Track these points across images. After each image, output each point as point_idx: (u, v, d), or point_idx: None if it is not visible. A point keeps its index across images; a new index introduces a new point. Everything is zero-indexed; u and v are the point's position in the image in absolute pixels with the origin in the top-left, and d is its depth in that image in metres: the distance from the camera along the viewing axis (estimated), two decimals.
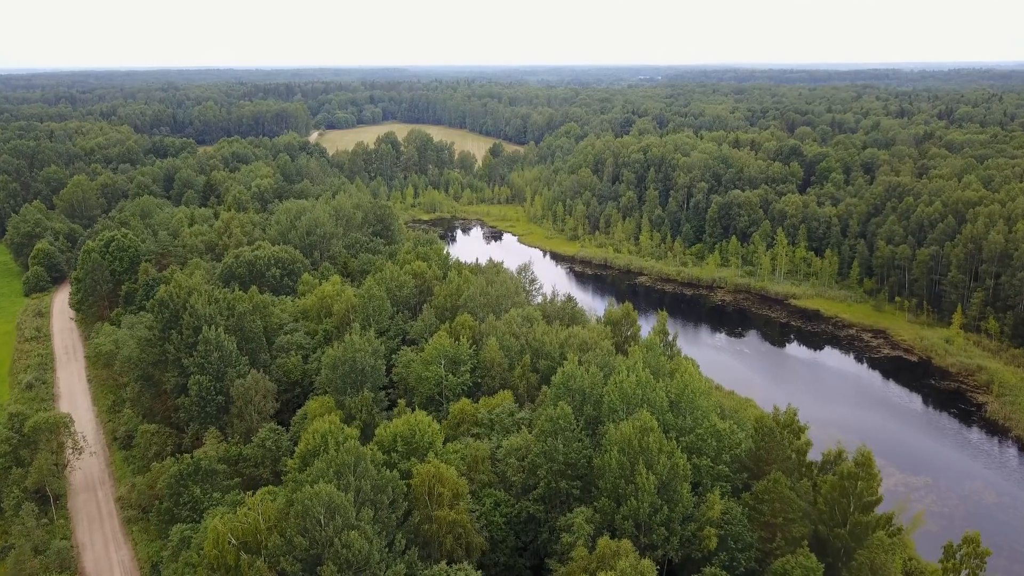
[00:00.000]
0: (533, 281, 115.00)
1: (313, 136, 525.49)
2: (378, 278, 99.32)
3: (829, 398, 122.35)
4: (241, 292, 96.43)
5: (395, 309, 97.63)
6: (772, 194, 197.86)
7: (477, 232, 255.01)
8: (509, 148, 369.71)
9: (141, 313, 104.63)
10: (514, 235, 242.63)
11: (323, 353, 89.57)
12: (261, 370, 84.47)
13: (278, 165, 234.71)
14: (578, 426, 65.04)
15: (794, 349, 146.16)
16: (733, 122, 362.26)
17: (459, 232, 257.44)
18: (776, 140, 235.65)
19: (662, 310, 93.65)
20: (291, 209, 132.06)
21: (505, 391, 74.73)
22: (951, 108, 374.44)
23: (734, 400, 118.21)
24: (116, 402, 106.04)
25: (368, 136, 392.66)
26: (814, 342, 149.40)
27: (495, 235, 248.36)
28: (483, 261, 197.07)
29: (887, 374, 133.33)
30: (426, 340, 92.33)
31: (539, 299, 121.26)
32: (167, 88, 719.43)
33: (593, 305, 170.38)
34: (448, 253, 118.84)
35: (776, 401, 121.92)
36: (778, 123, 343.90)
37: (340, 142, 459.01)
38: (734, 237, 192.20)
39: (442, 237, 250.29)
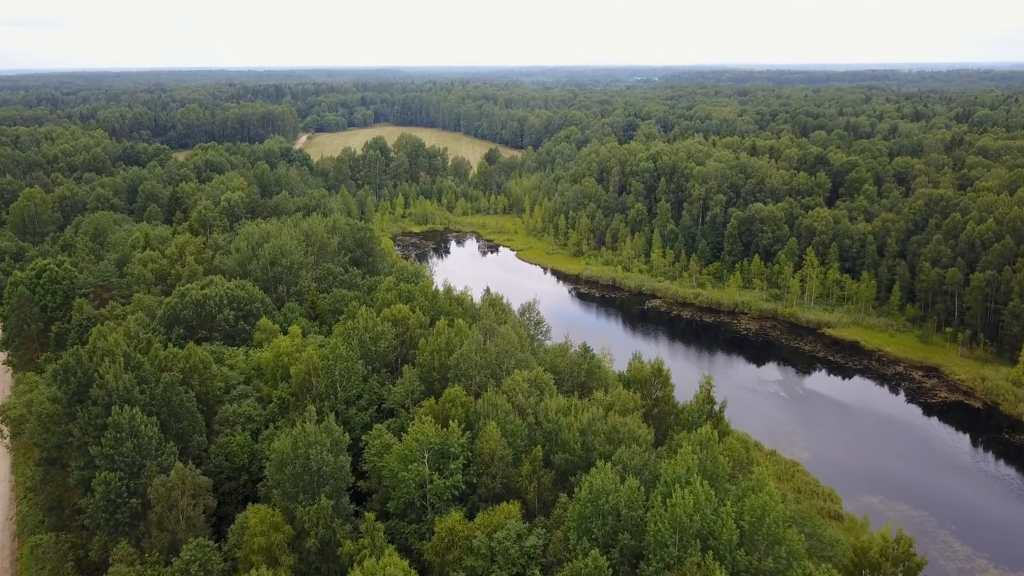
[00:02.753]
0: (539, 323, 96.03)
1: (302, 139, 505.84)
2: (349, 328, 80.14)
3: (888, 458, 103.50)
4: (177, 349, 77.07)
5: (369, 368, 78.48)
6: (798, 208, 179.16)
7: (472, 246, 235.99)
8: (506, 153, 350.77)
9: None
10: (512, 250, 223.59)
11: (274, 431, 70.38)
12: (190, 461, 65.07)
13: (255, 175, 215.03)
14: (613, 567, 46.03)
15: (835, 390, 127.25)
16: (742, 126, 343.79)
17: (453, 245, 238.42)
18: (798, 147, 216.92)
19: (707, 374, 74.57)
20: (253, 234, 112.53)
21: (511, 503, 55.65)
22: (969, 111, 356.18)
23: (777, 463, 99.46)
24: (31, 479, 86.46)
25: (359, 139, 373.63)
26: (857, 382, 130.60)
27: (492, 249, 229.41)
28: (478, 281, 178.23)
29: (949, 424, 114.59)
30: (406, 410, 73.37)
31: (549, 342, 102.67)
32: (153, 89, 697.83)
33: (604, 334, 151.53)
34: (437, 290, 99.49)
35: (826, 464, 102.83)
36: (790, 127, 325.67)
37: (329, 145, 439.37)
38: (757, 256, 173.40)
39: (435, 251, 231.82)
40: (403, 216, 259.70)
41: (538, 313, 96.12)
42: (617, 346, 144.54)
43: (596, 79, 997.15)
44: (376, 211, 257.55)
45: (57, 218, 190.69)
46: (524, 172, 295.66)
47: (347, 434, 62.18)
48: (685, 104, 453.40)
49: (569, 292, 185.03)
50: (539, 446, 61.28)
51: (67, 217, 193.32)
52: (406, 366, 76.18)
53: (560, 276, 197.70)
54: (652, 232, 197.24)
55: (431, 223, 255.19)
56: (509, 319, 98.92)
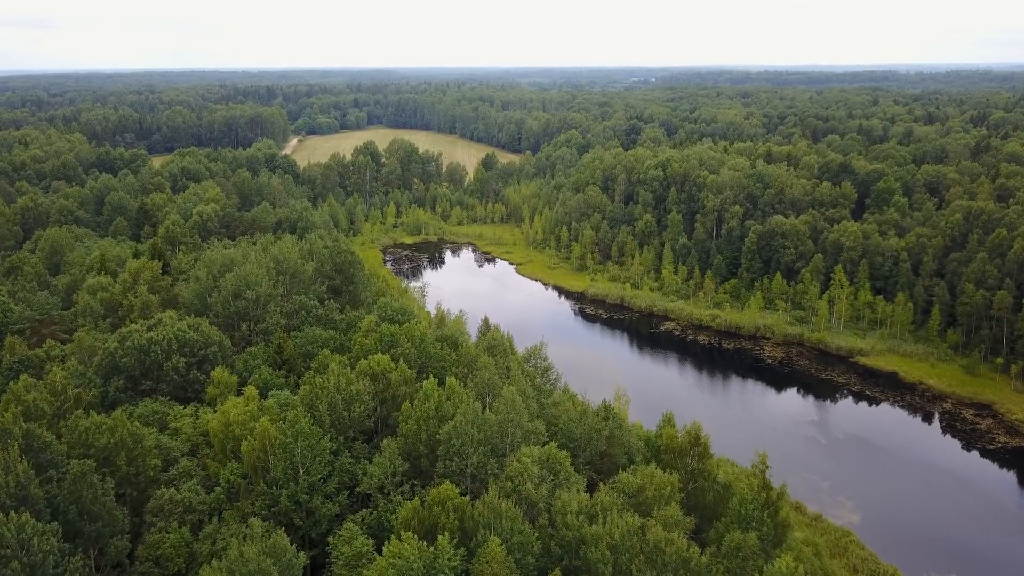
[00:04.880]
0: (547, 370, 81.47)
1: (292, 143, 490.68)
2: (318, 386, 65.40)
3: (953, 522, 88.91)
4: (102, 418, 62.15)
5: (340, 440, 63.77)
6: (822, 221, 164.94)
7: (468, 258, 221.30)
8: (503, 158, 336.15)
9: None
10: (511, 263, 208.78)
11: (217, 528, 55.70)
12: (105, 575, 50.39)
13: (234, 184, 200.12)
14: None
15: (878, 432, 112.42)
16: (749, 129, 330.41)
17: (447, 258, 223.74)
18: (816, 154, 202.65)
19: (762, 450, 59.95)
20: (215, 261, 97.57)
21: None
22: (983, 114, 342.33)
23: (826, 532, 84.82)
24: None
25: (352, 142, 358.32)
26: (901, 421, 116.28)
27: (489, 261, 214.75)
28: (474, 301, 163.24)
29: (1015, 475, 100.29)
30: (386, 496, 58.74)
31: (559, 387, 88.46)
32: (142, 91, 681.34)
33: (613, 362, 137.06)
34: (428, 330, 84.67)
35: (882, 531, 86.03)
36: (800, 131, 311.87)
37: (320, 149, 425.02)
38: (778, 274, 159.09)
39: (428, 262, 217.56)
40: (395, 226, 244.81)
41: (546, 358, 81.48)
42: (629, 377, 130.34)
43: (593, 80, 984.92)
44: (366, 221, 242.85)
45: (17, 232, 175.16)
46: (523, 178, 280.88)
47: (303, 553, 47.37)
48: (687, 106, 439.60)
49: (573, 312, 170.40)
50: (558, 569, 46.55)
51: (28, 231, 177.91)
52: (386, 440, 61.47)
53: (563, 293, 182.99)
54: (662, 246, 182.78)
55: (424, 233, 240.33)
56: (512, 363, 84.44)
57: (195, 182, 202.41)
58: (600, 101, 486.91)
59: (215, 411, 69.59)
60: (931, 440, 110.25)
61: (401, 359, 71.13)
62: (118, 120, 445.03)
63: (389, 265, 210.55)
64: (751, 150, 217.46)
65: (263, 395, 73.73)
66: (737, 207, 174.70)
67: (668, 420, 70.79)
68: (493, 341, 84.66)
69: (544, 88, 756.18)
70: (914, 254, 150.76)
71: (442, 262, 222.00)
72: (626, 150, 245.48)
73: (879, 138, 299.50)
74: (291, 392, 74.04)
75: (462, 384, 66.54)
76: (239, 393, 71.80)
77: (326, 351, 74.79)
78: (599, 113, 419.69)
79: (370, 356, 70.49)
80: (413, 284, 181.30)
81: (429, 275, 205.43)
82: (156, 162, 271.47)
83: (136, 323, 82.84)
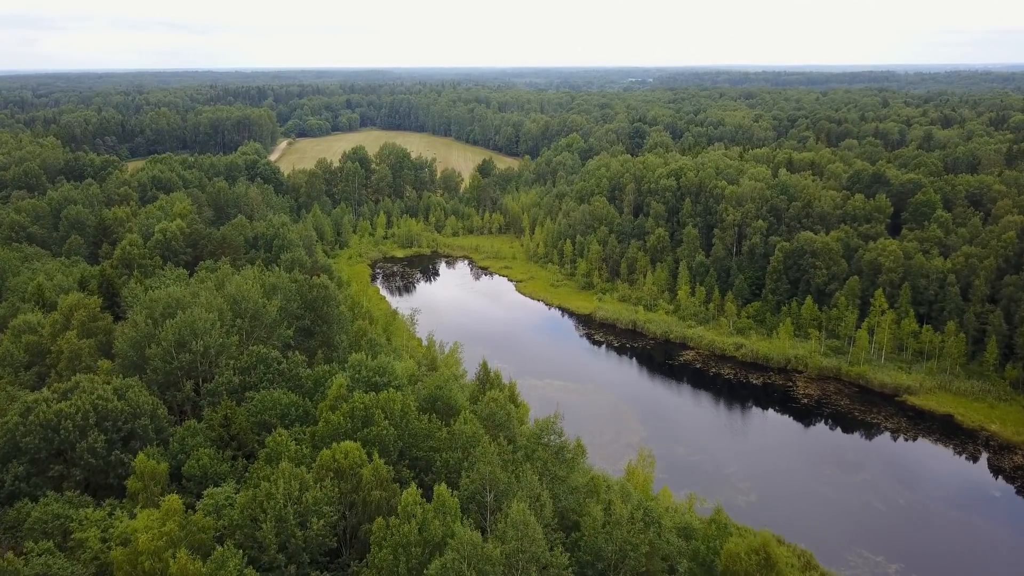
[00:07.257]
0: (562, 449, 65.04)
1: (281, 146, 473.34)
2: (264, 493, 48.95)
3: None
4: None
5: (291, 570, 47.29)
6: (855, 237, 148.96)
7: (464, 273, 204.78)
8: (501, 162, 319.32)
9: None
10: (511, 280, 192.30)
11: None
12: None
13: (209, 194, 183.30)
14: None
15: (943, 496, 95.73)
16: (759, 133, 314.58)
17: (442, 273, 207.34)
18: (843, 162, 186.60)
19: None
20: (157, 303, 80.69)
21: None
22: (1002, 116, 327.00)
23: None
24: None
25: (343, 145, 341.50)
26: (966, 480, 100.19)
27: (487, 277, 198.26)
28: (472, 322, 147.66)
29: None
30: None
31: (573, 445, 72.03)
32: (129, 91, 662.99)
33: (630, 402, 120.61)
34: (412, 400, 67.96)
35: None
36: (813, 134, 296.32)
37: (311, 152, 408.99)
38: (809, 297, 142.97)
39: (422, 275, 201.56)
40: (385, 237, 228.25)
41: (561, 433, 65.06)
42: (649, 421, 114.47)
43: (590, 80, 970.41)
44: (354, 232, 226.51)
45: None
46: (522, 185, 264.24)
47: None
48: (691, 108, 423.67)
49: (581, 338, 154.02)
50: None
51: None
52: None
53: (568, 315, 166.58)
54: (677, 264, 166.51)
55: (417, 246, 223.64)
56: (515, 430, 68.42)
57: (166, 192, 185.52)
58: (600, 102, 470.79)
59: (132, 516, 53.10)
60: (1010, 506, 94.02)
61: (376, 451, 54.60)
62: (99, 122, 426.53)
63: (378, 282, 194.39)
64: (770, 157, 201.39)
65: (200, 488, 57.31)
66: (760, 221, 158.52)
67: (722, 525, 54.45)
68: (495, 406, 68.42)
69: (541, 89, 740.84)
70: (963, 276, 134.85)
71: (436, 275, 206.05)
72: (632, 155, 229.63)
73: (896, 142, 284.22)
74: (236, 484, 57.57)
75: (453, 490, 50.13)
76: (177, 476, 55.16)
77: (280, 431, 58.23)
78: (600, 115, 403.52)
79: (335, 444, 53.99)
80: (403, 306, 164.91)
81: (422, 292, 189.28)
82: (135, 168, 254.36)
83: (46, 389, 66.13)
